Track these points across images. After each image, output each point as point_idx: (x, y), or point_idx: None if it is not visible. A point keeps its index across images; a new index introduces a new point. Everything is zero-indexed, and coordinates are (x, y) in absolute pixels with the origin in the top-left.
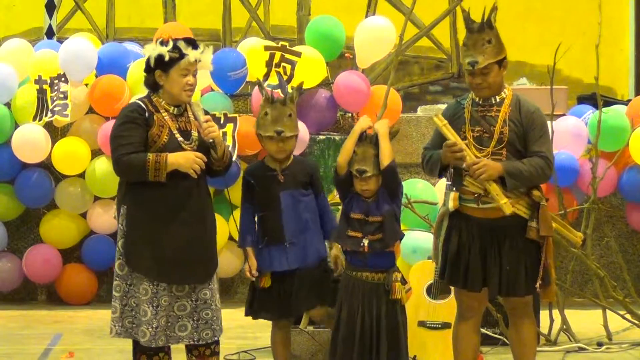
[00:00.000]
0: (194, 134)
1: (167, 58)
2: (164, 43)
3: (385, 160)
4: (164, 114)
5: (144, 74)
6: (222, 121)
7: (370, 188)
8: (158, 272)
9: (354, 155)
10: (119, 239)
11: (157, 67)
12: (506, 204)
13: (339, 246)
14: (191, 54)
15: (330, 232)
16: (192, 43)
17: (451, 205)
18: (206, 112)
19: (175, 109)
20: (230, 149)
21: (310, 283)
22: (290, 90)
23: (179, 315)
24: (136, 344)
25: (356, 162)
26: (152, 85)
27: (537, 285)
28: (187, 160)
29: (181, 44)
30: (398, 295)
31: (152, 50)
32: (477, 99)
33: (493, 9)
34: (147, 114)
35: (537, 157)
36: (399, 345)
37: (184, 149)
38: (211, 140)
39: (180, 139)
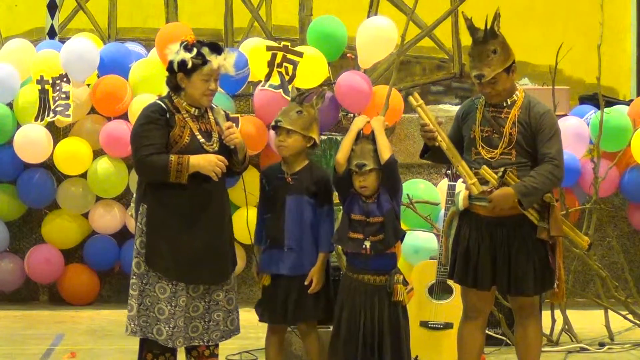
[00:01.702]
0: (215, 135)
1: (189, 65)
2: (188, 48)
3: (385, 154)
4: (184, 115)
5: (167, 73)
6: None
7: (369, 185)
8: (176, 272)
9: (351, 153)
10: (136, 238)
11: (180, 70)
12: (540, 227)
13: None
14: (214, 61)
15: (324, 245)
16: (217, 49)
17: (461, 204)
18: (228, 117)
19: (196, 110)
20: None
21: (303, 296)
22: (290, 89)
23: (192, 317)
24: (143, 343)
25: (354, 158)
26: (174, 87)
27: (556, 286)
28: (209, 162)
29: (205, 51)
30: (400, 297)
31: (176, 54)
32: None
33: (495, 16)
34: (168, 115)
35: (544, 163)
36: (401, 347)
37: (205, 150)
38: (233, 146)
39: (201, 140)
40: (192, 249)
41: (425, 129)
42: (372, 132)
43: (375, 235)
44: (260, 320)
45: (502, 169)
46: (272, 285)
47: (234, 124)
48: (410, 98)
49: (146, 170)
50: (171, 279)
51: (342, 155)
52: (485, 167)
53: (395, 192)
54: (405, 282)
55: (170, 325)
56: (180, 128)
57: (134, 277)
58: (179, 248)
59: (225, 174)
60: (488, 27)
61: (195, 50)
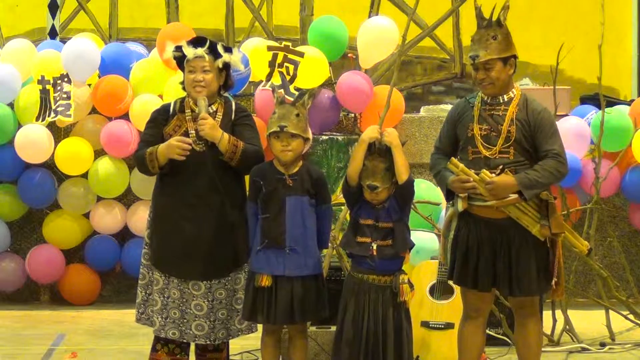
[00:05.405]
0: None
1: (174, 60)
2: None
3: (403, 175)
4: (187, 114)
5: None
6: None
7: (380, 199)
8: (163, 264)
9: (363, 168)
10: (146, 230)
11: (181, 70)
12: (539, 231)
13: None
14: (188, 52)
15: (325, 242)
16: (194, 42)
17: (460, 206)
18: (239, 108)
19: None
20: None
21: (309, 295)
22: (293, 91)
23: (197, 315)
24: None
25: (366, 177)
26: (183, 86)
27: (553, 283)
28: (169, 146)
29: (183, 44)
30: (406, 297)
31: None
32: (485, 98)
33: (504, 7)
34: (170, 114)
35: (548, 158)
36: (403, 348)
37: (193, 149)
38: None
39: (192, 139)
40: (181, 244)
41: (467, 186)
42: (385, 147)
43: (384, 239)
44: (249, 320)
45: (501, 167)
46: (271, 286)
47: (210, 117)
48: (450, 165)
49: (135, 163)
50: (160, 271)
51: (354, 170)
52: (484, 170)
53: (407, 205)
54: (410, 284)
55: (163, 316)
56: (174, 127)
57: (142, 268)
58: (169, 242)
59: (225, 169)
60: (494, 15)
61: (177, 46)
